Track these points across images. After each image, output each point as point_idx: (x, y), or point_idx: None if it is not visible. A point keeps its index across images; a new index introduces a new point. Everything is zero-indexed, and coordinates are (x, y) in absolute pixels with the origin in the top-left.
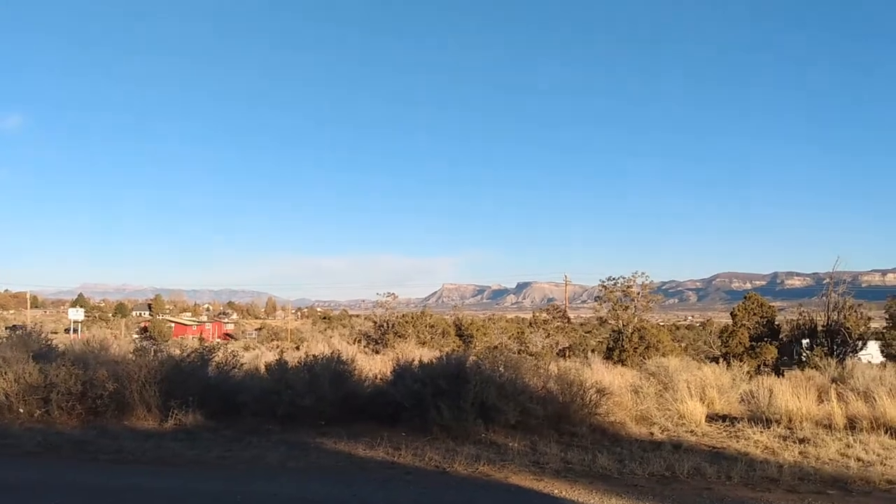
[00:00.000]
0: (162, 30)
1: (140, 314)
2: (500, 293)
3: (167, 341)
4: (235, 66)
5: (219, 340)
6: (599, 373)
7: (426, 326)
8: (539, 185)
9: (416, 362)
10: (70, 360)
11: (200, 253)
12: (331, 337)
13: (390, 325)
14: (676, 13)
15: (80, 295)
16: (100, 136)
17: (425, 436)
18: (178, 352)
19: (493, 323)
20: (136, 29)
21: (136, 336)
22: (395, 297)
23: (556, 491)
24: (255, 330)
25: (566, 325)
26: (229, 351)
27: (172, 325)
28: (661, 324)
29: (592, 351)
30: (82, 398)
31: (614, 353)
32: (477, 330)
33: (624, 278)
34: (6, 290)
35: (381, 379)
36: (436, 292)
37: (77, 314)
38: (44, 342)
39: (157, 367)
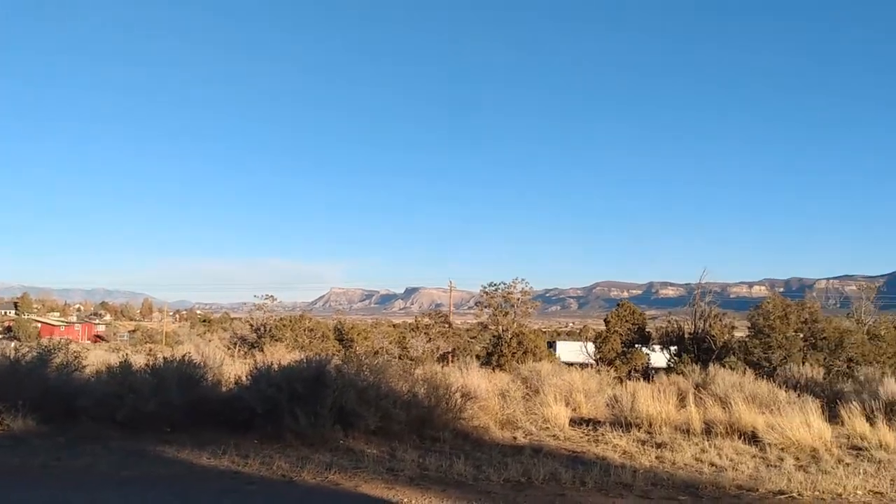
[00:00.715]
0: None
1: (5, 313)
2: (388, 298)
3: (43, 342)
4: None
5: (88, 342)
6: (470, 377)
7: (305, 330)
8: (426, 191)
9: (275, 366)
10: None
11: (74, 251)
12: (210, 340)
13: (267, 329)
14: None
15: None
16: None
17: (279, 443)
18: (12, 351)
19: (376, 328)
20: None
21: (1, 336)
22: (273, 299)
23: (405, 499)
24: (129, 332)
25: (448, 330)
26: (72, 351)
27: (39, 325)
28: (543, 329)
29: (477, 356)
30: None
31: (493, 357)
32: (358, 334)
33: (505, 284)
34: None
35: (238, 384)
36: (324, 296)
37: None
38: None
39: None
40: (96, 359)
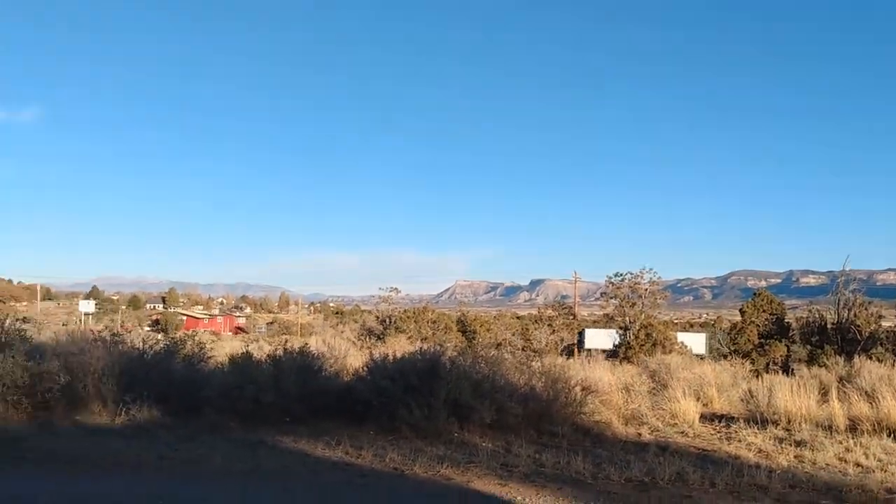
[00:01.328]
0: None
1: (154, 307)
2: (513, 290)
3: (176, 334)
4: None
5: (229, 334)
6: (593, 370)
7: (428, 322)
8: (554, 180)
9: (390, 357)
10: (25, 351)
11: (217, 248)
12: (342, 332)
13: (392, 321)
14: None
15: (94, 287)
16: (115, 129)
17: (393, 435)
18: (141, 343)
19: (499, 319)
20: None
21: (148, 328)
22: (397, 291)
23: (519, 497)
24: (267, 324)
25: (573, 321)
26: (197, 343)
27: (184, 318)
28: (675, 321)
29: (603, 350)
30: (30, 392)
31: (620, 349)
32: (480, 326)
33: (631, 274)
34: (19, 283)
35: (356, 375)
36: (449, 289)
37: (87, 306)
38: (17, 333)
39: (116, 358)
40: (229, 349)
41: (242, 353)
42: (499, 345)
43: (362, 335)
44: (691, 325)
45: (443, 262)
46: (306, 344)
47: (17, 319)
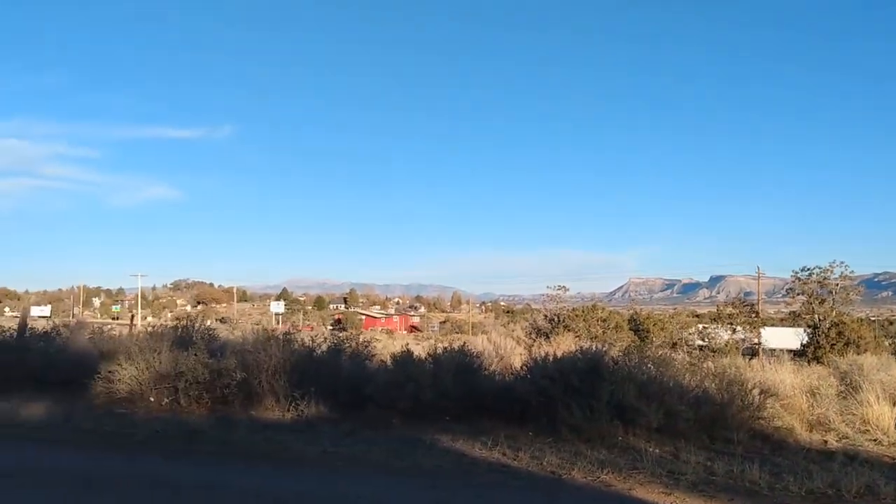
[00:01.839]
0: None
1: (336, 307)
2: (691, 287)
3: (346, 333)
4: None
5: (404, 332)
6: (773, 371)
7: (598, 320)
8: (735, 171)
9: (550, 357)
10: (205, 349)
11: (394, 250)
12: (513, 330)
13: (560, 319)
14: None
15: (284, 289)
16: (309, 139)
17: (553, 437)
18: (310, 341)
19: (674, 318)
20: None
21: (330, 327)
22: (565, 289)
23: None
24: (440, 323)
25: (755, 319)
26: (362, 340)
27: (363, 317)
28: (872, 318)
29: (789, 349)
30: (210, 387)
31: (808, 349)
32: (654, 325)
33: (820, 269)
34: (219, 286)
35: (516, 374)
36: (622, 286)
37: (278, 307)
38: (205, 332)
39: (287, 356)
40: (399, 347)
41: (403, 352)
42: (674, 345)
43: (530, 334)
44: (890, 323)
45: (615, 259)
46: (465, 343)
47: (217, 320)
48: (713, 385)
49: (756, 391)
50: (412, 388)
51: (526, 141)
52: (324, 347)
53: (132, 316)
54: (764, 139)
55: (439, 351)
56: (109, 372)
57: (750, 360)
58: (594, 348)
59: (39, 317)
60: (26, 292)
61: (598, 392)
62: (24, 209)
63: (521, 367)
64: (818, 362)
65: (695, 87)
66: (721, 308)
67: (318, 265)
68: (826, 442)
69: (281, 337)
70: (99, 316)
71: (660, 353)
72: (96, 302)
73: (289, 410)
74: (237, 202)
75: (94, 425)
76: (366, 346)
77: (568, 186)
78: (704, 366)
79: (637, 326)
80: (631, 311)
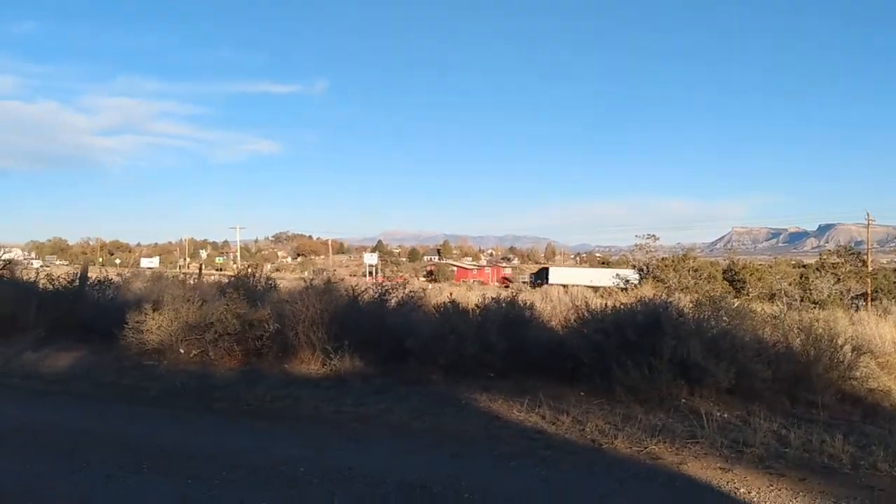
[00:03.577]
0: None
1: (430, 259)
2: (798, 237)
3: (404, 282)
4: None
5: (496, 284)
6: (871, 325)
7: (689, 270)
8: (846, 114)
9: (609, 309)
10: (244, 299)
11: (490, 201)
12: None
13: (650, 269)
14: None
15: (379, 241)
16: (400, 95)
17: (607, 398)
18: (351, 291)
19: (773, 268)
20: None
21: (423, 278)
22: (655, 238)
23: (743, 489)
24: (532, 274)
25: (862, 269)
26: (408, 290)
27: (455, 268)
28: None
29: None
30: (242, 339)
31: None
32: (751, 275)
33: None
34: (318, 238)
35: (568, 327)
36: (724, 237)
37: (371, 259)
38: (263, 282)
39: (326, 307)
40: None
41: (449, 302)
42: (772, 296)
43: (618, 285)
44: None
45: (718, 208)
46: (517, 293)
47: (276, 269)
48: (798, 340)
49: (848, 347)
50: (454, 341)
51: (623, 85)
52: (368, 297)
53: (200, 266)
54: (879, 80)
55: (489, 303)
56: (137, 322)
57: (856, 312)
58: (654, 300)
59: (148, 268)
60: (138, 245)
61: (658, 348)
62: (135, 166)
63: (575, 320)
64: None
65: (810, 24)
66: (825, 257)
67: (415, 217)
68: None
69: (321, 286)
70: (204, 267)
71: (736, 303)
72: (203, 254)
73: (324, 364)
74: (334, 156)
75: (115, 378)
76: (411, 297)
77: (668, 133)
78: (788, 318)
79: (732, 277)
80: (727, 262)
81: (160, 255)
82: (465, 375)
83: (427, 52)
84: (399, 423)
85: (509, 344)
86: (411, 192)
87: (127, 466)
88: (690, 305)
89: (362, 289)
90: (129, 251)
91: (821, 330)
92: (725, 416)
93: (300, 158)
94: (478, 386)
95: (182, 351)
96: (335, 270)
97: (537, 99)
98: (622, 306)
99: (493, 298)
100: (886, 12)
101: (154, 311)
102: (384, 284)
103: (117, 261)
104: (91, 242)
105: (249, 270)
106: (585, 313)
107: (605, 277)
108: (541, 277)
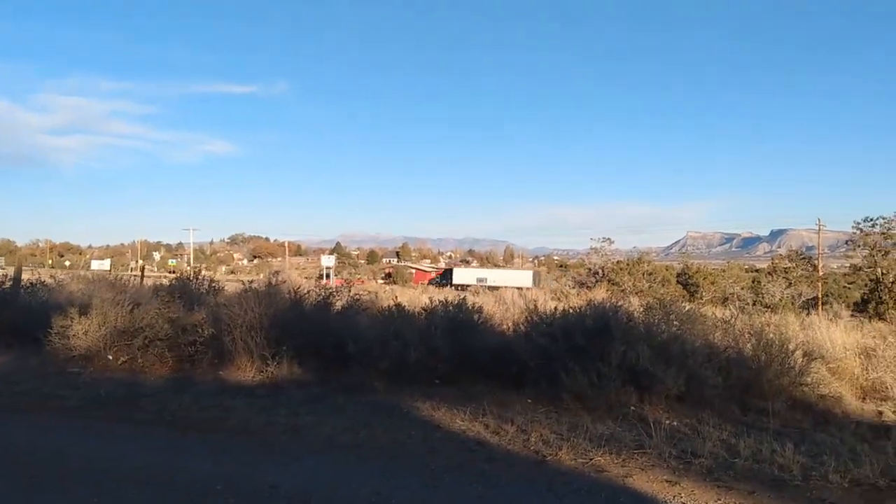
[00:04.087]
0: None
1: (388, 261)
2: (751, 241)
3: (350, 284)
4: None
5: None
6: (821, 329)
7: (643, 274)
8: (798, 121)
9: (557, 312)
10: (179, 303)
11: (448, 204)
12: (565, 284)
13: (604, 273)
14: None
15: (338, 243)
16: (360, 97)
17: (554, 405)
18: (293, 294)
19: (725, 272)
20: None
21: (381, 281)
22: (610, 242)
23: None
24: (437, 275)
25: (813, 273)
26: (352, 293)
27: (413, 271)
28: None
29: (853, 304)
30: (174, 345)
31: (869, 305)
32: (704, 279)
33: (884, 219)
34: (275, 240)
35: (515, 332)
36: (679, 241)
37: (329, 261)
38: (206, 285)
39: (266, 310)
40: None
41: (394, 306)
42: (725, 300)
43: (573, 287)
44: None
45: (673, 212)
46: (464, 297)
47: (231, 272)
48: (749, 346)
49: (799, 353)
50: (397, 346)
51: (581, 94)
52: (311, 300)
53: (142, 268)
54: (834, 86)
55: (435, 306)
56: (62, 327)
57: (807, 315)
58: (602, 303)
59: (99, 270)
60: (89, 247)
61: (607, 354)
62: (88, 166)
63: (523, 324)
64: (880, 318)
65: (767, 25)
66: (777, 262)
67: (374, 220)
68: (881, 414)
69: (261, 289)
70: (157, 270)
71: (686, 308)
72: (156, 256)
73: (261, 372)
74: (292, 158)
75: (34, 386)
76: (356, 300)
77: (625, 139)
78: (740, 322)
79: (686, 281)
80: (681, 265)
81: (112, 257)
82: (410, 382)
83: (386, 54)
84: (332, 435)
85: (455, 349)
86: (370, 194)
87: (17, 485)
88: (641, 309)
89: (305, 291)
90: (80, 253)
91: (772, 335)
92: (675, 424)
93: (257, 159)
94: (421, 393)
95: (111, 357)
96: (287, 273)
97: (498, 101)
98: (572, 310)
99: (440, 301)
100: (842, 12)
101: (81, 315)
102: (328, 287)
103: (67, 263)
104: (40, 244)
105: (191, 273)
106: (534, 317)
107: (509, 278)
108: (445, 278)
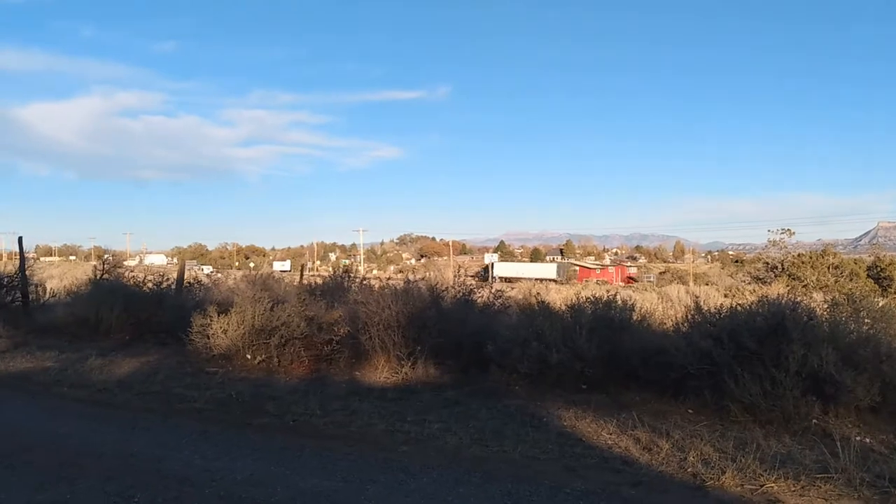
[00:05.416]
0: None
1: (553, 258)
2: None
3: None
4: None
5: (620, 284)
6: None
7: (828, 268)
8: None
9: (722, 309)
10: (321, 301)
11: (613, 198)
12: (742, 279)
13: (784, 267)
14: None
15: (501, 242)
16: (525, 95)
17: (720, 417)
18: (431, 290)
19: None
20: None
21: None
22: (790, 233)
23: None
24: (659, 273)
25: None
26: (494, 289)
27: (577, 268)
28: None
29: None
30: (310, 344)
31: None
32: None
33: None
34: (441, 239)
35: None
36: (869, 232)
37: (492, 258)
38: (357, 283)
39: (403, 308)
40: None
41: (537, 303)
42: None
43: (750, 283)
44: None
45: (860, 202)
46: (616, 293)
47: (399, 271)
48: None
49: None
50: (537, 347)
51: (759, 72)
52: (450, 296)
53: (302, 266)
54: None
55: (583, 303)
56: (202, 326)
57: None
58: (776, 300)
59: (281, 271)
60: (272, 249)
61: (782, 358)
62: (270, 174)
63: (683, 323)
64: None
65: None
66: None
67: (538, 217)
68: None
69: (400, 285)
70: (331, 269)
71: (880, 303)
72: (332, 256)
73: (396, 372)
74: (457, 159)
75: (167, 387)
76: (497, 296)
77: (805, 123)
78: None
79: (878, 274)
80: (872, 258)
81: (292, 258)
82: (553, 387)
83: (549, 52)
84: (458, 447)
85: (602, 350)
86: (534, 192)
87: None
88: (824, 306)
89: (444, 287)
90: (264, 255)
91: None
92: (867, 441)
93: (423, 162)
94: (565, 400)
95: (249, 357)
96: (439, 270)
97: (663, 95)
98: (739, 307)
99: (587, 298)
100: None
101: (220, 313)
102: (469, 284)
103: (251, 264)
104: (228, 247)
105: (343, 271)
106: (695, 315)
107: (549, 270)
108: (486, 272)
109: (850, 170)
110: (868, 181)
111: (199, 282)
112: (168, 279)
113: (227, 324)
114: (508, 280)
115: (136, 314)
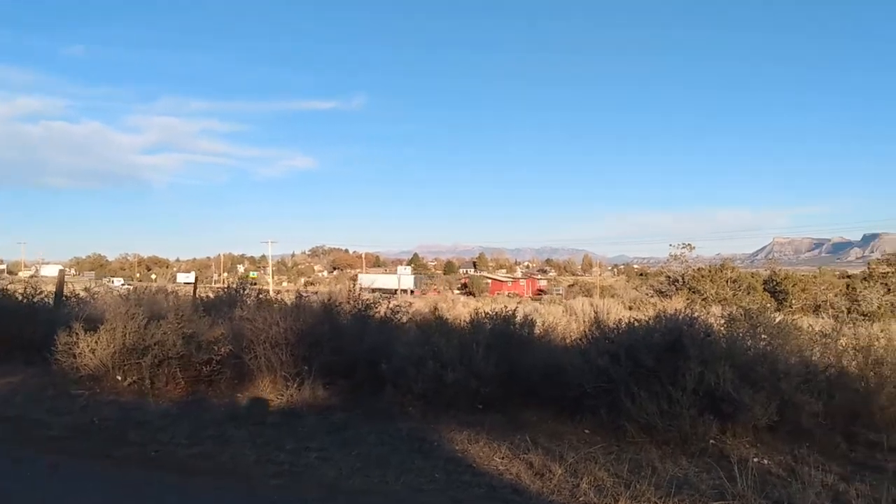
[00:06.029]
0: None
1: (466, 271)
2: (841, 246)
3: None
4: None
5: (530, 297)
6: None
7: (726, 281)
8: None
9: (621, 325)
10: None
11: (525, 213)
12: (646, 293)
13: (684, 281)
14: None
15: (415, 254)
16: (440, 107)
17: (616, 438)
18: (322, 306)
19: (817, 278)
20: None
21: (457, 291)
22: (690, 248)
23: None
24: (567, 287)
25: None
26: (391, 305)
27: (489, 281)
28: None
29: None
30: (187, 363)
31: None
32: (793, 286)
33: None
34: (353, 252)
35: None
36: (765, 247)
37: (405, 272)
38: (253, 297)
39: (293, 324)
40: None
41: (434, 319)
42: (817, 308)
43: (650, 297)
44: None
45: (759, 218)
46: (515, 309)
47: (310, 283)
48: (853, 364)
49: None
50: (431, 367)
51: (661, 91)
52: (345, 312)
53: (196, 279)
54: None
55: (480, 319)
56: (66, 344)
57: None
58: (674, 316)
59: (185, 283)
60: (177, 260)
61: (679, 376)
62: (177, 183)
63: (580, 340)
64: None
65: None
66: (873, 266)
67: (451, 230)
68: None
69: (289, 300)
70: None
71: (777, 319)
72: (240, 269)
73: (281, 395)
74: (371, 170)
75: (23, 412)
76: (394, 312)
77: (709, 144)
78: (842, 336)
79: (774, 288)
80: (768, 272)
81: (198, 270)
82: (449, 407)
83: (464, 64)
84: (337, 479)
85: (500, 368)
86: (448, 205)
87: None
88: (722, 321)
89: (339, 302)
90: (167, 266)
91: (882, 350)
92: (765, 462)
93: (338, 173)
94: (459, 421)
95: (119, 378)
96: (340, 285)
97: (574, 108)
98: (637, 323)
99: (485, 313)
100: None
101: (87, 331)
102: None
103: (153, 276)
104: (129, 258)
105: (238, 284)
106: (594, 331)
107: (407, 281)
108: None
109: (750, 187)
110: (766, 198)
111: (75, 295)
112: (41, 291)
113: (96, 342)
114: (372, 291)
115: (4, 329)
